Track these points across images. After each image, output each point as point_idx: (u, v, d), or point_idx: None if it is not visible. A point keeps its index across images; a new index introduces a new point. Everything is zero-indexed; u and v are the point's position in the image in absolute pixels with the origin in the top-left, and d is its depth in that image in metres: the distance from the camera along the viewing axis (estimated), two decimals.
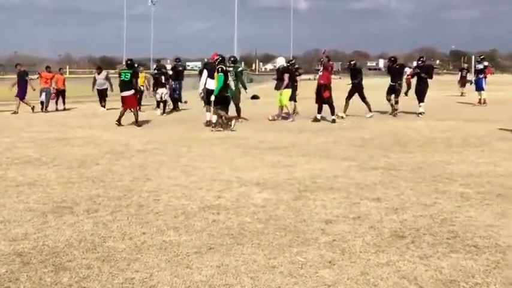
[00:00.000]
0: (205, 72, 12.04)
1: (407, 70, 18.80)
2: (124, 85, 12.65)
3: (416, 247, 3.79)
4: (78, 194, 5.53)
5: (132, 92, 12.66)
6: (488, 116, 13.71)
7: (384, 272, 3.33)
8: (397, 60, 15.07)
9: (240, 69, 13.27)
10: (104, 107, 17.46)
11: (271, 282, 3.21)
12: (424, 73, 14.48)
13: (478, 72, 17.99)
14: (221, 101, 11.42)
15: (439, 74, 73.81)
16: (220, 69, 11.35)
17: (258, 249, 3.80)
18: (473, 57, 40.40)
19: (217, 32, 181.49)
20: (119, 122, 12.40)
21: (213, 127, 11.35)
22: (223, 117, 11.39)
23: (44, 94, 16.95)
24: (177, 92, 17.27)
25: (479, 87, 17.69)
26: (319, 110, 13.11)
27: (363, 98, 14.21)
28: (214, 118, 11.52)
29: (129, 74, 12.63)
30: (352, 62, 15.21)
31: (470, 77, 22.11)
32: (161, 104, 15.73)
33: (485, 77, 17.77)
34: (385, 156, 7.70)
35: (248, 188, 5.71)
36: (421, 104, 14.39)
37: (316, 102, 13.20)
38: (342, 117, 13.48)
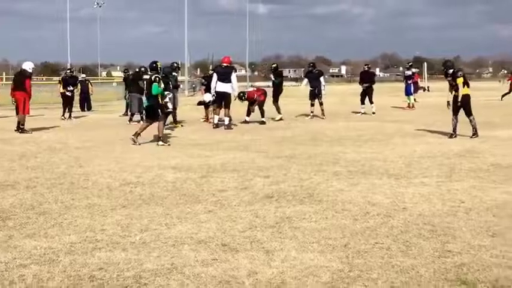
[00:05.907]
0: (215, 76, 13.43)
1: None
2: None
3: (277, 202, 5.50)
4: (18, 177, 6.96)
5: None
6: (407, 118, 15.88)
7: (244, 214, 5.01)
8: (315, 66, 17.29)
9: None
10: None
11: (162, 221, 4.82)
12: (367, 81, 17.96)
13: (406, 78, 20.33)
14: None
15: (401, 81, 77.73)
16: (156, 78, 10.64)
17: (160, 206, 5.40)
18: (424, 64, 43.84)
19: (171, 36, 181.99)
20: None
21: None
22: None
23: None
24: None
25: (407, 93, 20.03)
26: (248, 113, 14.90)
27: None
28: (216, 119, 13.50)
29: None
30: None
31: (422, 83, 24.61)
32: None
33: (413, 83, 20.16)
34: (294, 149, 9.48)
35: (165, 171, 7.30)
36: (372, 105, 17.59)
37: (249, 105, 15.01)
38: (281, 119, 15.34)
